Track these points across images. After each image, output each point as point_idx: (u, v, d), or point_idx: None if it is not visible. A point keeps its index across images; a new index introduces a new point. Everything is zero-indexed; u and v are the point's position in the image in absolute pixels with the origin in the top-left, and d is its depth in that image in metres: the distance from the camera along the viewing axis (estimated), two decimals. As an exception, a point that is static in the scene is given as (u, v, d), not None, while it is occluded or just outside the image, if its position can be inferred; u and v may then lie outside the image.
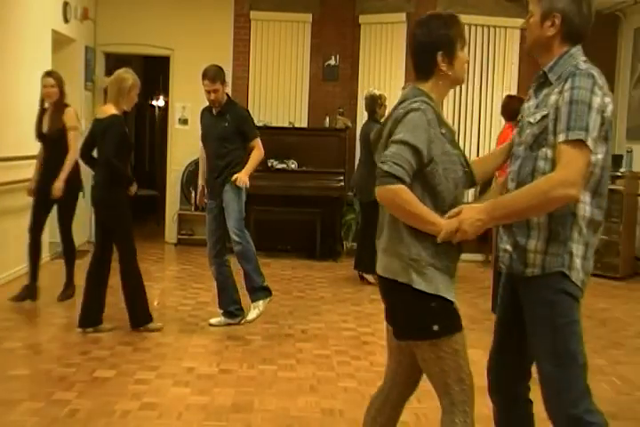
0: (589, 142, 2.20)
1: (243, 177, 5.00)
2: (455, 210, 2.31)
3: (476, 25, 8.72)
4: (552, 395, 2.36)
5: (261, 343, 4.95)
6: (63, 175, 5.63)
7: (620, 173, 7.89)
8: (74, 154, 5.65)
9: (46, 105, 5.77)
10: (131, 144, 5.19)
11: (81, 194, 5.96)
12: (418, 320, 2.38)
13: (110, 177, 4.96)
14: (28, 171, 6.75)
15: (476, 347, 5.03)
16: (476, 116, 8.81)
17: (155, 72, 11.51)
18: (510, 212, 2.28)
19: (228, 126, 5.13)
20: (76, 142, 5.68)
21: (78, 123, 5.88)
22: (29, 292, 5.70)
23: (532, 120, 2.37)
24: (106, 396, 3.80)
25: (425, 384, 4.20)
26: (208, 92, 5.11)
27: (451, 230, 2.27)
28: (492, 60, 8.77)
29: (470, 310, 6.13)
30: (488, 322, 5.76)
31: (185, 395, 3.90)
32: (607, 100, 2.27)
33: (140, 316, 5.06)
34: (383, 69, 8.72)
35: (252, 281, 5.10)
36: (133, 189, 5.16)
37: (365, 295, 6.51)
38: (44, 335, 4.90)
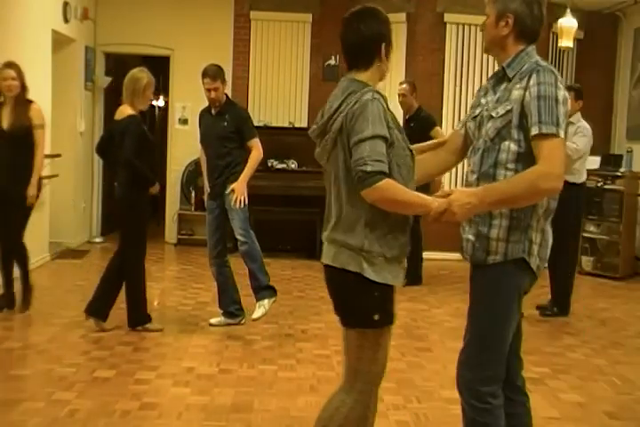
0: (562, 135, 2.33)
1: (239, 191, 4.95)
2: (447, 190, 2.37)
3: (476, 25, 8.70)
4: (468, 369, 2.51)
5: (261, 343, 4.95)
6: (34, 179, 5.30)
7: (619, 173, 7.88)
8: (42, 154, 5.43)
9: (1, 99, 5.35)
10: (151, 143, 5.13)
11: None
12: (362, 308, 2.48)
13: (132, 177, 4.97)
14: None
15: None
16: (475, 116, 8.80)
17: (155, 72, 11.48)
18: (502, 199, 2.35)
19: (228, 126, 5.13)
20: (43, 142, 5.44)
21: (44, 121, 5.51)
22: (6, 301, 5.42)
23: (494, 114, 2.45)
24: (106, 396, 3.79)
25: (425, 385, 4.20)
26: (208, 90, 5.11)
27: (440, 210, 2.33)
28: (492, 60, 8.76)
29: (470, 310, 6.13)
30: (488, 322, 5.77)
31: (185, 395, 3.89)
32: (566, 94, 2.40)
33: (138, 316, 5.05)
34: (383, 69, 8.72)
35: (258, 280, 5.11)
36: (155, 189, 5.11)
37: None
38: (44, 335, 4.89)
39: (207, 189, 5.34)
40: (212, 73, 5.10)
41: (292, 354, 4.71)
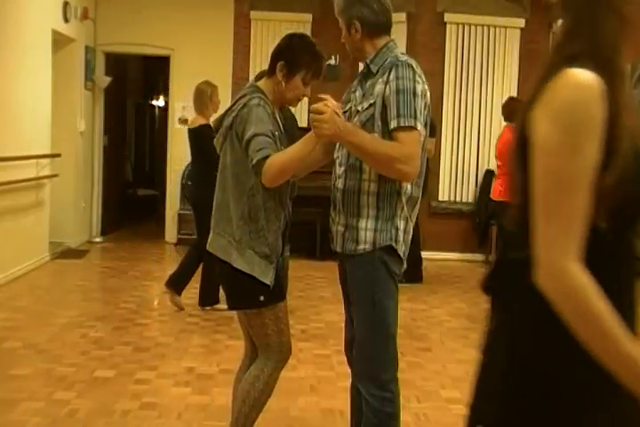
0: (419, 127, 2.45)
1: None
2: (335, 109, 2.42)
3: (476, 25, 8.72)
4: (365, 358, 2.62)
5: (261, 343, 4.94)
6: None
7: (620, 173, 7.88)
8: None
9: None
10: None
11: None
12: (245, 292, 2.66)
13: (207, 177, 5.28)
14: (28, 171, 6.77)
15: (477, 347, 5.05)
16: (476, 116, 8.80)
17: (155, 72, 11.52)
18: (362, 147, 2.43)
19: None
20: None
21: None
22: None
23: (359, 108, 2.57)
24: (106, 396, 3.80)
25: (425, 384, 4.20)
26: None
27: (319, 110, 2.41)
28: (492, 60, 8.76)
29: (471, 309, 6.13)
30: (488, 322, 5.76)
31: (185, 395, 3.89)
32: (425, 87, 2.53)
33: (208, 297, 5.54)
34: (383, 69, 8.72)
35: None
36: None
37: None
38: (44, 335, 4.89)
39: None
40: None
41: (292, 354, 4.68)
